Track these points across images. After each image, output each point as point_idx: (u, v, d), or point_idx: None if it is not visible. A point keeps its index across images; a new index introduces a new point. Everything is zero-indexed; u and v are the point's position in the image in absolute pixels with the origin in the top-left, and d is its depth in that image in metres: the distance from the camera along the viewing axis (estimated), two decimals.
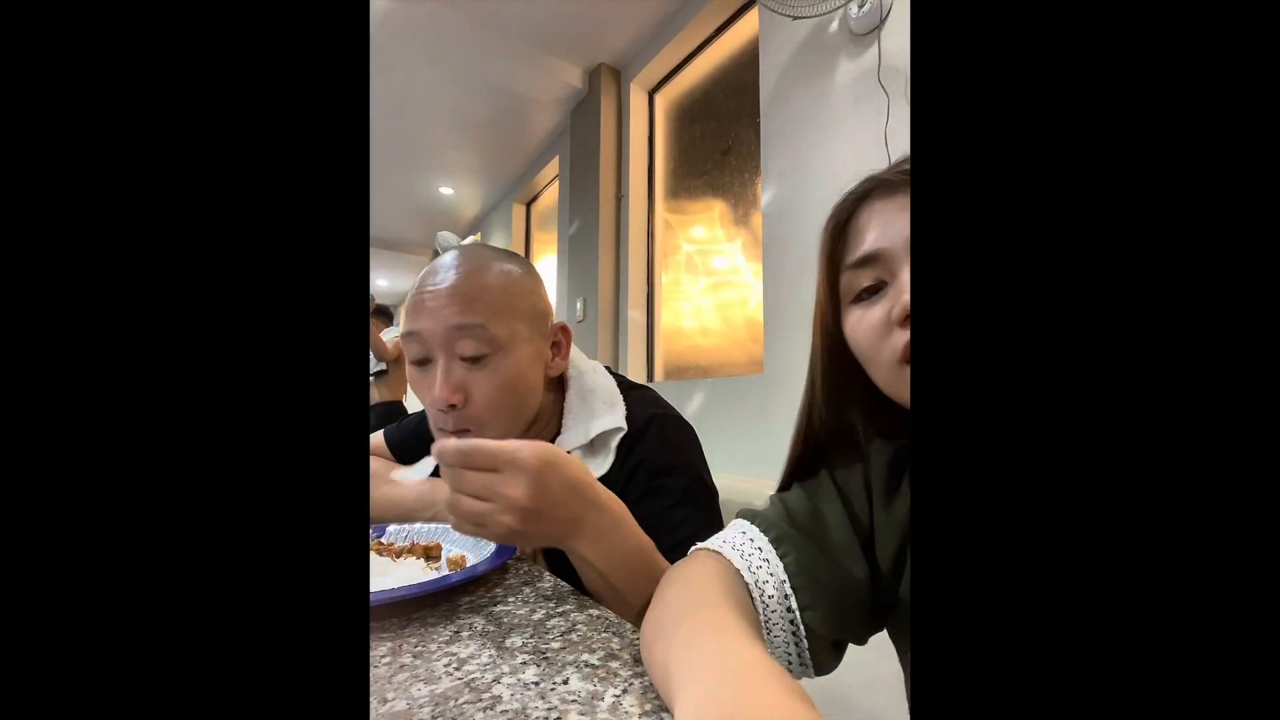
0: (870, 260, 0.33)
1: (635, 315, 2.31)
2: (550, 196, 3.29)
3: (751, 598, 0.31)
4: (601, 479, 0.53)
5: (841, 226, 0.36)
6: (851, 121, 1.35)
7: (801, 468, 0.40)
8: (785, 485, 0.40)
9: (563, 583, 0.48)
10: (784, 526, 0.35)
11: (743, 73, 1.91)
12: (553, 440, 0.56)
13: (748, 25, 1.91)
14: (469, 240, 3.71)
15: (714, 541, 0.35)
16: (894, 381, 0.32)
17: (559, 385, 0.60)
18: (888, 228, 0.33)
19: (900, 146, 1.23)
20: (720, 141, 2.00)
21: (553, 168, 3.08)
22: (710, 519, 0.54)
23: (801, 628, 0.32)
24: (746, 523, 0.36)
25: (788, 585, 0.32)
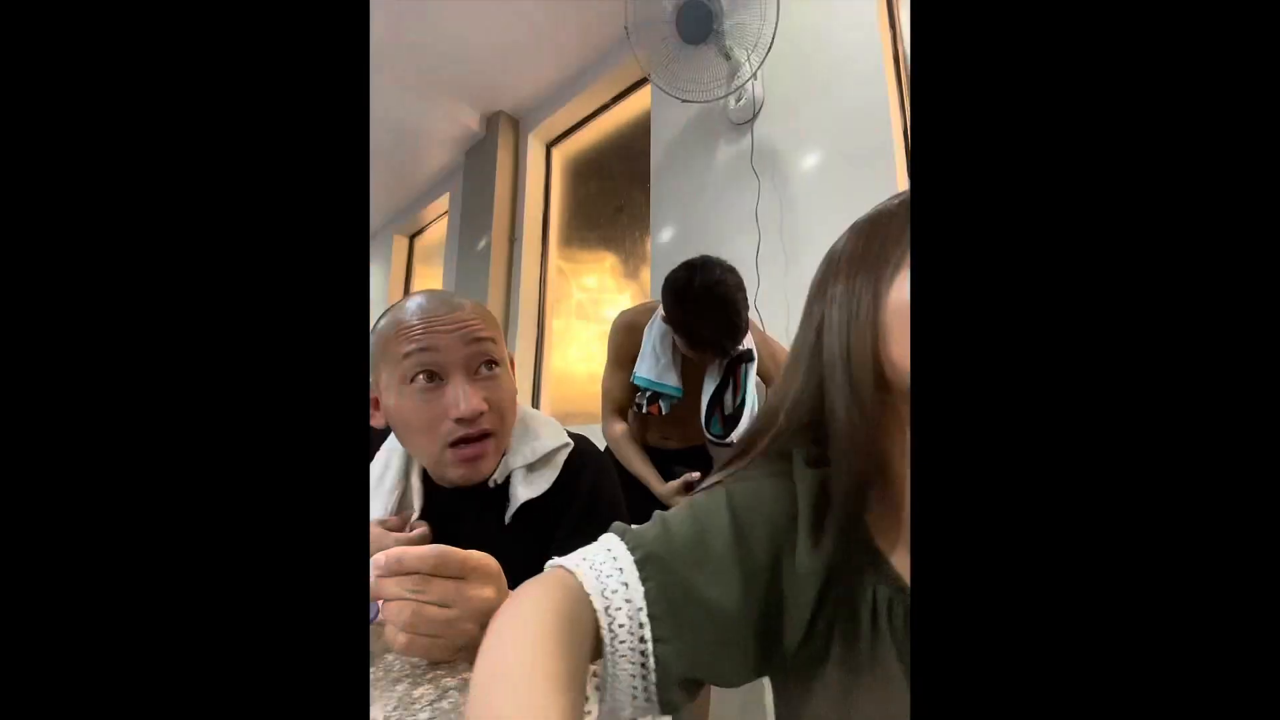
0: None
1: (523, 357, 2.27)
2: (435, 231, 3.17)
3: (598, 625, 0.29)
4: (541, 498, 0.57)
5: (828, 270, 0.35)
6: (729, 197, 1.52)
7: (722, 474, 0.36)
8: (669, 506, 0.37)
9: None
10: (655, 548, 0.31)
11: (636, 140, 2.07)
12: (499, 461, 0.58)
13: (642, 98, 2.08)
14: None
15: (574, 558, 0.32)
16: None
17: None
18: None
19: (769, 225, 1.41)
20: (614, 199, 2.12)
21: (440, 204, 2.99)
22: None
23: (651, 659, 0.29)
24: (616, 539, 0.33)
25: (644, 614, 0.29)
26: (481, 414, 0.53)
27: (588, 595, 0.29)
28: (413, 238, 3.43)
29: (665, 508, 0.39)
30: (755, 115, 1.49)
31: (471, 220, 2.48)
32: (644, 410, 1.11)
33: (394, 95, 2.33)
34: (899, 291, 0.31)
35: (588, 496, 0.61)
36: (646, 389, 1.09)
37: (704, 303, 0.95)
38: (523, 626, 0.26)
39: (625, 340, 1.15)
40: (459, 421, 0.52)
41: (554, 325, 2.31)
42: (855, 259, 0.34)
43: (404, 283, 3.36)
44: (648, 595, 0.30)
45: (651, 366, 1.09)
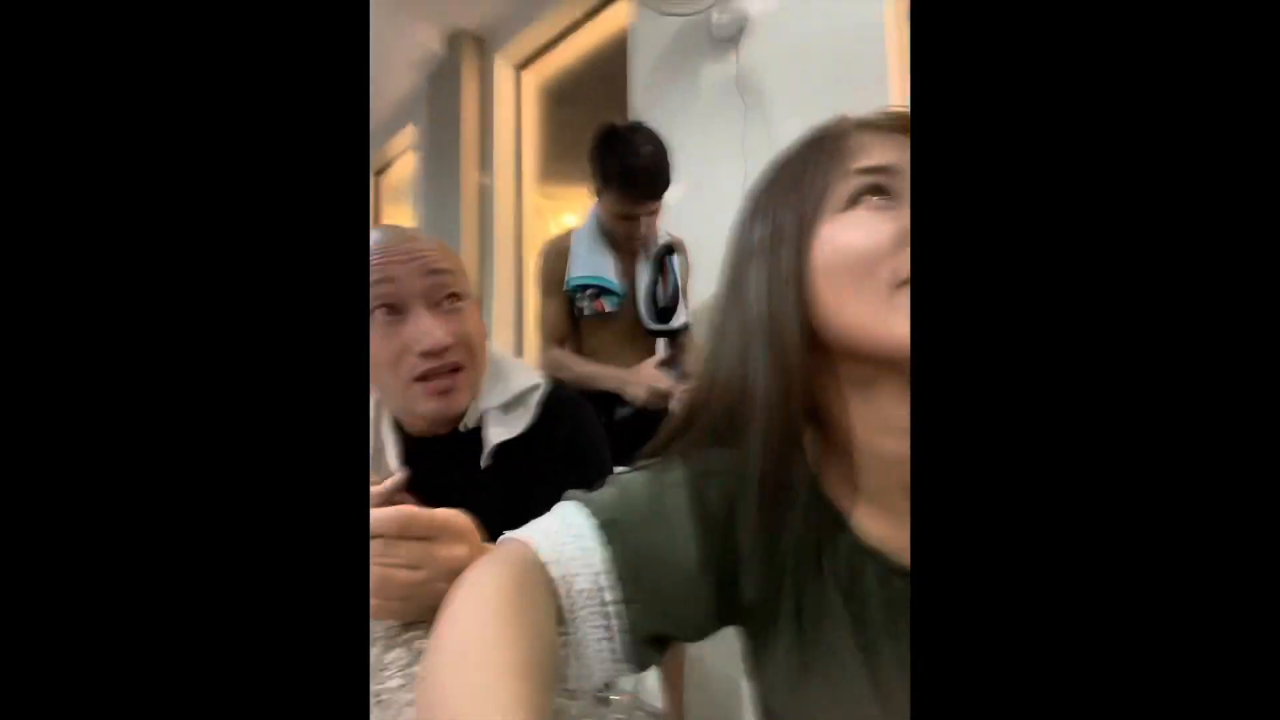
0: (884, 170, 0.29)
1: (503, 302, 2.19)
2: (402, 167, 2.97)
3: (556, 592, 0.28)
4: (518, 440, 0.56)
5: (840, 137, 0.31)
6: (714, 124, 1.42)
7: (666, 445, 0.35)
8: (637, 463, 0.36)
9: None
10: (613, 512, 0.31)
11: (612, 63, 1.90)
12: (469, 399, 0.56)
13: (618, 13, 1.90)
14: None
15: (527, 529, 0.31)
16: (880, 311, 0.27)
17: None
18: (896, 152, 0.29)
19: (757, 154, 1.32)
20: (592, 127, 1.98)
21: (405, 137, 2.78)
22: None
23: (614, 621, 0.29)
24: (574, 507, 0.32)
25: (603, 577, 0.29)
26: (447, 347, 0.52)
27: (544, 564, 0.29)
28: (378, 175, 3.22)
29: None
30: (741, 31, 1.36)
31: (439, 155, 2.32)
32: (586, 313, 1.12)
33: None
34: (829, 233, 0.29)
35: (568, 441, 0.60)
36: (586, 287, 1.10)
37: (632, 140, 1.02)
38: (477, 606, 0.24)
39: (556, 264, 1.15)
40: (424, 355, 0.51)
41: (531, 268, 2.22)
42: (777, 197, 0.32)
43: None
44: (611, 559, 0.29)
45: (585, 263, 1.11)
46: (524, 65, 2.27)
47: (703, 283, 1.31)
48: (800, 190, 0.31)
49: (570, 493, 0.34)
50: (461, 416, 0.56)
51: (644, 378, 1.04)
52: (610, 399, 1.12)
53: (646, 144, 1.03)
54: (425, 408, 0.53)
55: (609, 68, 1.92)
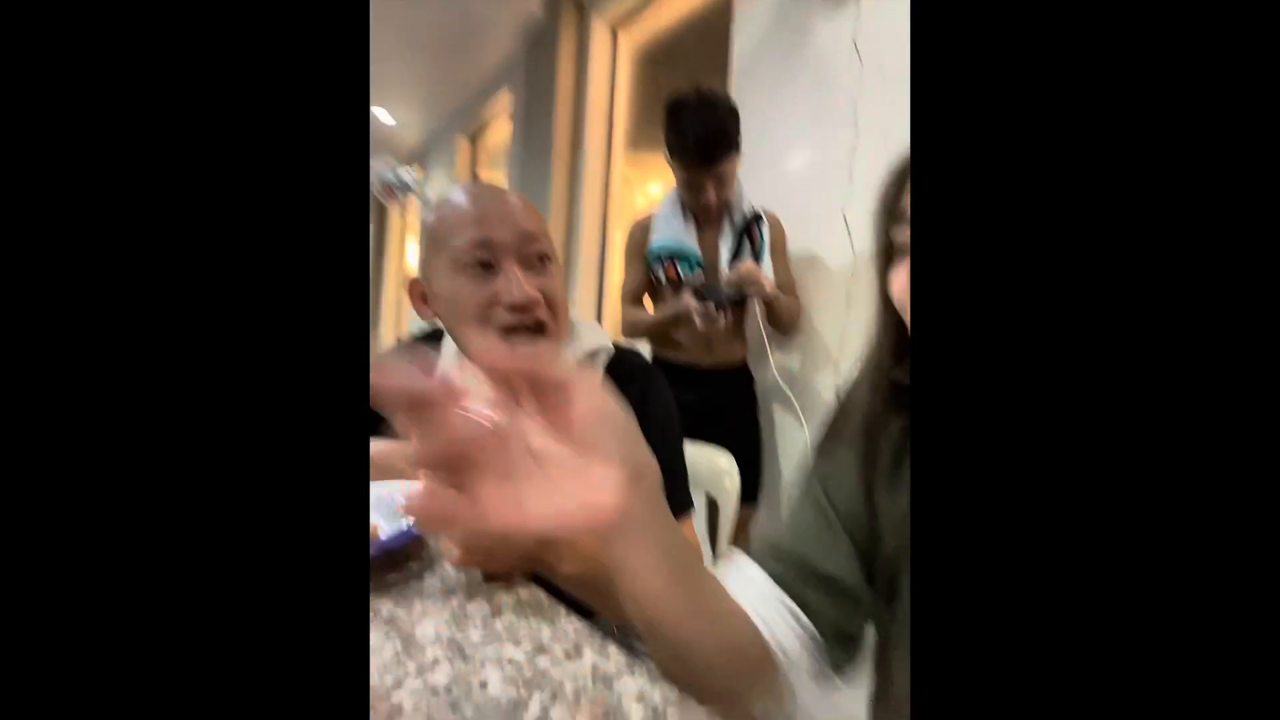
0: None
1: (586, 270, 2.21)
2: (499, 132, 3.04)
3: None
4: None
5: (901, 180, 0.34)
6: (824, 88, 1.30)
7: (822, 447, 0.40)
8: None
9: None
10: (776, 565, 0.35)
11: (716, 19, 1.80)
12: None
13: None
14: (406, 171, 3.40)
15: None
16: None
17: None
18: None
19: (868, 116, 1.20)
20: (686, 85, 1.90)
21: (502, 101, 2.84)
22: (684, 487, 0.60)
23: (805, 630, 0.32)
24: (755, 568, 0.36)
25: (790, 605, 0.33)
26: (536, 303, 0.52)
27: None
28: (474, 139, 3.33)
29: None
30: None
31: (533, 121, 2.34)
32: (663, 280, 1.16)
33: None
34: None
35: (637, 408, 0.57)
36: (663, 255, 1.15)
37: (690, 109, 1.04)
38: None
39: (640, 237, 1.20)
40: (512, 309, 0.51)
41: (615, 238, 2.21)
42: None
43: None
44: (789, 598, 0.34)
45: (664, 231, 1.15)
46: (621, 25, 2.22)
47: (801, 249, 1.24)
48: (880, 232, 0.36)
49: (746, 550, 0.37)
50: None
51: (681, 308, 1.11)
52: (685, 374, 1.17)
53: (702, 112, 1.04)
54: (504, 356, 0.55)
55: (713, 25, 1.82)
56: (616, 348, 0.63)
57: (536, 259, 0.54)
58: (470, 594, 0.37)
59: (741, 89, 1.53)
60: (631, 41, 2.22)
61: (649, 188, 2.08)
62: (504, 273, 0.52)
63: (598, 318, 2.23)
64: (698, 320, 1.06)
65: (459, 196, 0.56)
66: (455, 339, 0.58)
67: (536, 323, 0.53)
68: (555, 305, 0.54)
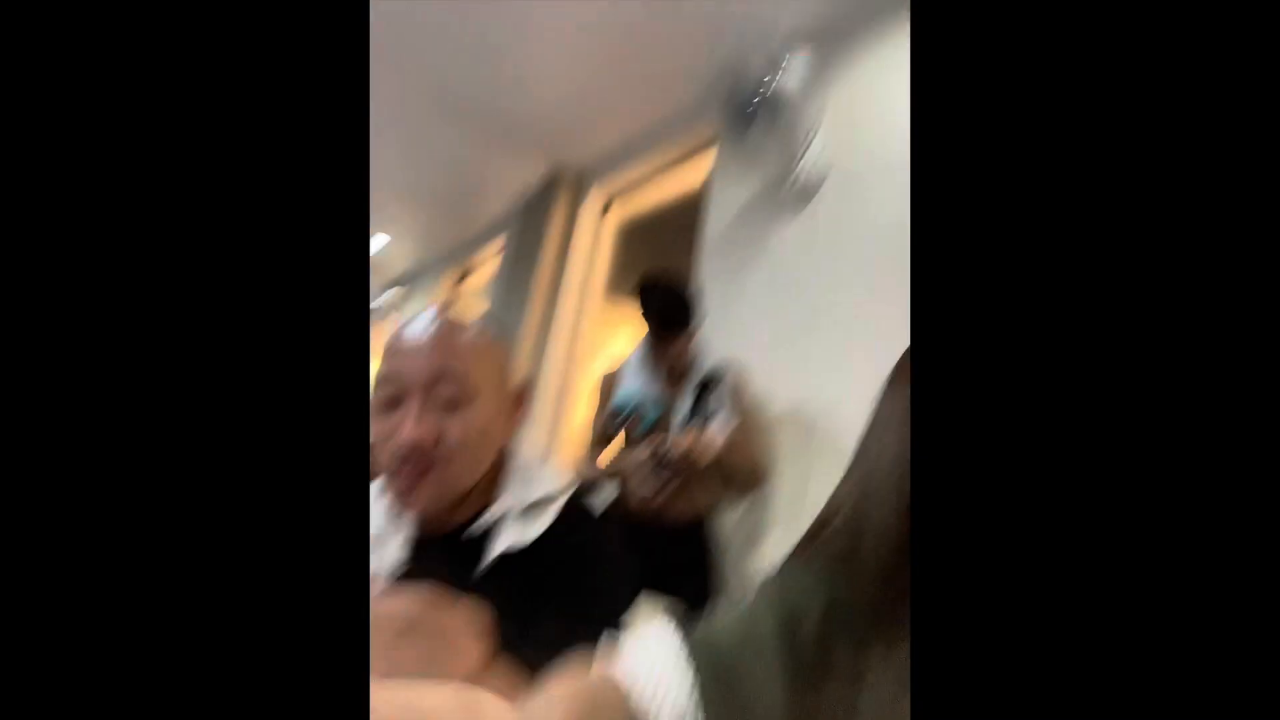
0: None
1: (544, 408, 2.18)
2: (485, 274, 3.24)
3: None
4: (526, 549, 0.51)
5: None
6: (787, 292, 1.44)
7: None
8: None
9: None
10: (701, 634, 0.31)
11: (691, 208, 2.05)
12: (488, 505, 0.53)
13: (703, 164, 2.09)
14: (385, 296, 3.50)
15: (624, 669, 0.30)
16: None
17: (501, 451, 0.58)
18: None
19: (827, 308, 1.32)
20: (660, 262, 2.09)
21: (494, 248, 3.07)
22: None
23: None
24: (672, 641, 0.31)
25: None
26: (422, 446, 0.47)
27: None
28: (461, 278, 3.52)
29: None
30: (814, 193, 1.44)
31: (517, 263, 2.51)
32: (616, 431, 1.22)
33: (457, 141, 2.45)
34: None
35: (577, 555, 0.53)
36: (624, 407, 1.21)
37: (656, 291, 1.19)
38: None
39: (608, 386, 1.29)
40: (396, 450, 0.47)
41: (583, 378, 2.24)
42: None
43: None
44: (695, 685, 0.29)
45: (629, 384, 1.24)
46: (610, 204, 2.52)
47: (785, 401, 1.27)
48: None
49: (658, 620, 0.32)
50: (432, 516, 0.52)
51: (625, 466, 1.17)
52: (653, 535, 1.14)
53: (664, 293, 1.21)
54: (391, 497, 0.50)
55: (687, 214, 2.08)
56: (572, 499, 0.57)
57: (446, 400, 0.49)
58: None
59: (707, 268, 1.70)
60: (617, 218, 2.51)
61: (619, 329, 2.17)
62: (404, 409, 0.49)
63: (549, 455, 2.13)
64: (635, 483, 1.11)
65: (409, 324, 0.54)
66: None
67: (422, 467, 0.48)
68: (458, 446, 0.49)
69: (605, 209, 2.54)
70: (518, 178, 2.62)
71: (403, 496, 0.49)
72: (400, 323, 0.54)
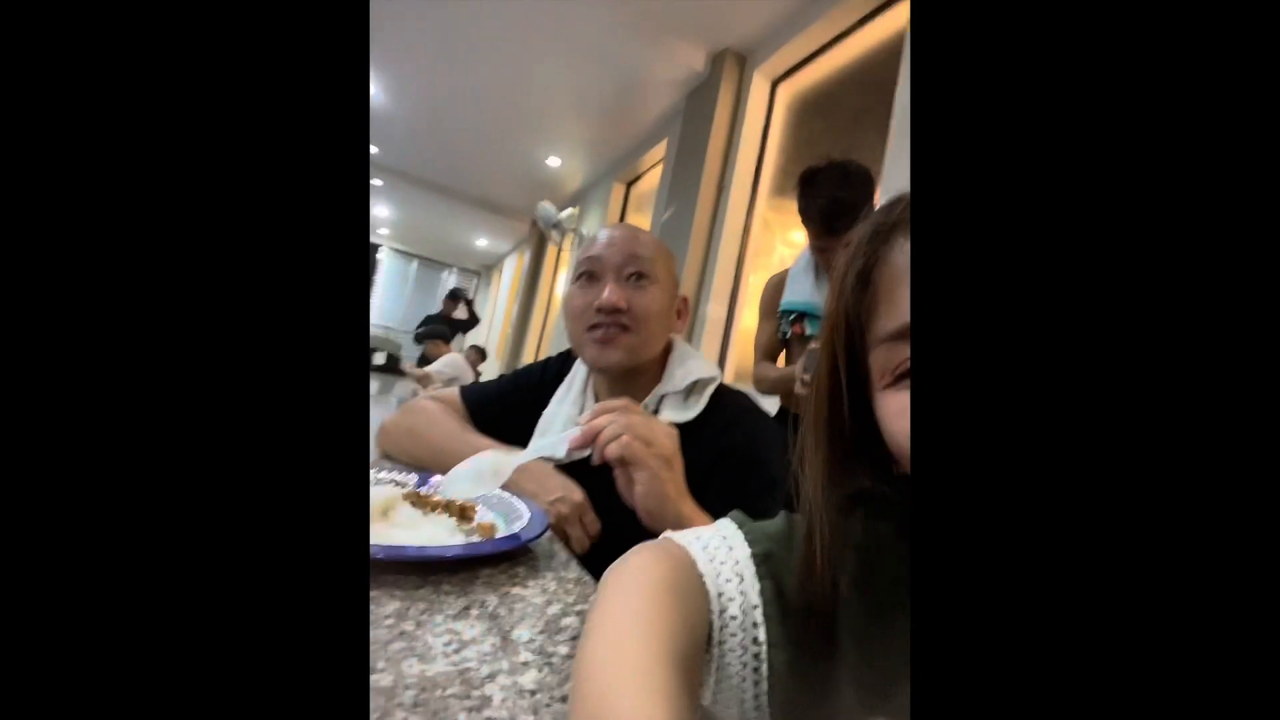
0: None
1: (715, 312, 2.23)
2: (651, 179, 3.26)
3: (710, 609, 0.27)
4: (690, 423, 0.63)
5: (865, 277, 0.26)
6: None
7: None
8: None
9: (588, 576, 0.45)
10: (774, 547, 0.29)
11: (881, 69, 1.75)
12: (632, 360, 0.66)
13: (898, 16, 1.74)
14: (566, 214, 3.78)
15: (687, 536, 0.30)
16: None
17: (666, 346, 0.71)
18: None
19: None
20: (841, 141, 1.86)
21: (660, 150, 3.04)
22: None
23: (764, 664, 0.26)
24: (734, 529, 0.30)
25: (759, 611, 0.27)
26: (619, 309, 0.63)
27: (701, 576, 0.27)
28: (630, 184, 3.60)
29: None
30: None
31: (684, 165, 2.47)
32: (787, 336, 1.18)
33: (622, 43, 2.39)
34: None
35: (730, 436, 0.62)
36: (792, 312, 1.17)
37: (824, 181, 1.04)
38: (638, 590, 0.24)
39: (774, 295, 1.23)
40: (598, 310, 0.64)
41: (750, 281, 2.21)
42: None
43: None
44: (763, 594, 0.27)
45: (794, 289, 1.18)
46: (781, 79, 2.26)
47: None
48: (833, 355, 0.31)
49: (734, 514, 0.32)
50: (617, 367, 0.65)
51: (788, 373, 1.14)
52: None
53: (830, 183, 1.04)
54: (588, 353, 0.66)
55: (875, 77, 1.78)
56: (724, 386, 0.68)
57: (633, 276, 0.65)
58: (564, 610, 0.38)
59: (899, 136, 1.46)
60: (789, 92, 2.25)
61: (790, 234, 2.05)
62: (601, 284, 0.65)
63: (721, 354, 2.22)
64: (797, 388, 1.06)
65: (597, 233, 0.69)
66: (570, 339, 0.69)
67: (619, 325, 0.64)
68: (640, 315, 0.65)
69: (774, 87, 2.29)
70: (677, 74, 2.49)
71: (602, 347, 0.64)
72: (599, 231, 0.70)
